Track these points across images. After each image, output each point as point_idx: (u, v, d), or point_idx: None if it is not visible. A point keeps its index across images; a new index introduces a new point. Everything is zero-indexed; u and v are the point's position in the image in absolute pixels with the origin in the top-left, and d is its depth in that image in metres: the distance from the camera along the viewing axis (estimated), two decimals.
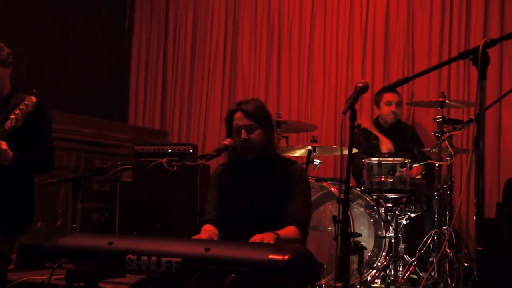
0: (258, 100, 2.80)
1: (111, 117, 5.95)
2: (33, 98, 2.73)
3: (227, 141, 2.67)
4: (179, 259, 2.10)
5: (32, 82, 4.94)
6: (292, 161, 2.82)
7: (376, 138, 4.71)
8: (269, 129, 2.72)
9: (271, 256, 2.01)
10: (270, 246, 2.16)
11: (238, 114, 2.69)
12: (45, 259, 2.35)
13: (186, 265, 2.10)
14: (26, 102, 2.71)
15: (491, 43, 1.90)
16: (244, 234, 2.51)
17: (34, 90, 2.81)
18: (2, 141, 2.75)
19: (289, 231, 2.59)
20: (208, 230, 2.66)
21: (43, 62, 5.34)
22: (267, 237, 2.44)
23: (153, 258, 2.13)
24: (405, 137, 4.76)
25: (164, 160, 2.66)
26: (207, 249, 2.10)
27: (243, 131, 2.66)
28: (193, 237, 2.55)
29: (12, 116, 2.69)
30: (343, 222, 2.14)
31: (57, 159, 4.66)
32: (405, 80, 2.22)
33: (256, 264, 2.02)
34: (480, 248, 1.91)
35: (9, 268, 3.91)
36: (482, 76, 1.87)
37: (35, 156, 2.97)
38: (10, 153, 2.79)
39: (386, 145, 4.51)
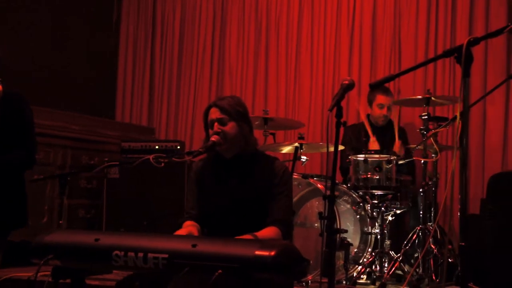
0: (235, 96, 2.80)
1: (98, 113, 5.93)
2: (0, 87, 2.69)
3: (214, 138, 2.65)
4: (166, 255, 2.10)
5: (18, 79, 4.93)
6: (274, 158, 2.78)
7: (367, 135, 4.74)
8: (244, 124, 2.69)
9: (257, 252, 2.02)
10: (256, 242, 2.18)
11: (213, 109, 2.69)
12: (31, 255, 2.35)
13: (173, 261, 2.10)
14: None
15: (474, 42, 1.92)
16: (227, 232, 2.50)
17: (0, 79, 2.77)
18: None
19: (269, 231, 2.56)
20: (188, 225, 2.65)
21: (29, 59, 5.31)
22: None
23: (140, 254, 2.13)
24: (394, 137, 4.79)
25: (151, 157, 2.67)
26: (194, 245, 2.10)
27: (215, 123, 2.66)
28: (174, 233, 2.55)
29: None
30: (329, 218, 2.16)
31: (44, 156, 4.70)
32: (391, 78, 2.24)
33: (243, 260, 2.03)
34: (463, 244, 1.94)
35: None
36: (466, 74, 1.90)
37: (10, 156, 2.91)
38: None
39: (374, 147, 4.53)
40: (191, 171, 2.86)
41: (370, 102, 4.83)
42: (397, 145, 4.53)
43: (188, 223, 2.68)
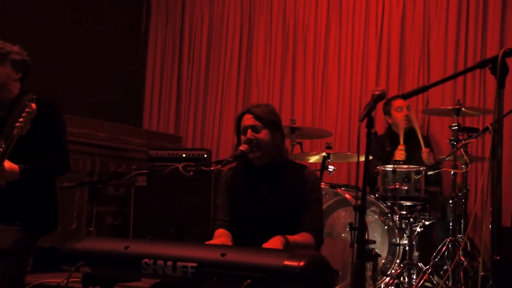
0: (269, 105, 2.80)
1: (126, 121, 5.99)
2: (33, 105, 2.75)
3: (243, 147, 2.66)
4: (195, 264, 2.11)
5: (48, 87, 5.01)
6: (303, 166, 2.79)
7: (391, 145, 4.71)
8: (277, 133, 2.70)
9: (286, 262, 2.01)
10: (285, 252, 2.17)
11: (247, 116, 2.69)
12: (62, 261, 2.38)
13: (202, 270, 2.10)
14: (27, 110, 2.73)
15: (510, 53, 1.90)
16: (257, 240, 2.50)
17: (34, 97, 2.82)
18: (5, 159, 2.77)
19: (302, 236, 2.58)
20: (221, 235, 2.66)
21: (58, 67, 5.39)
22: (276, 242, 2.45)
23: (169, 263, 2.14)
24: (418, 146, 4.74)
25: (180, 166, 2.68)
26: (223, 254, 2.10)
27: (249, 130, 2.66)
28: (206, 242, 2.55)
29: (17, 124, 2.72)
30: (360, 229, 2.14)
31: (73, 163, 4.69)
32: (423, 89, 2.22)
33: (272, 270, 2.02)
34: (498, 258, 1.90)
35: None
36: (501, 85, 1.87)
37: (46, 161, 2.97)
38: (16, 167, 2.82)
39: (399, 156, 4.46)
40: (221, 180, 2.87)
41: (388, 111, 4.85)
42: (424, 152, 4.44)
43: (220, 231, 2.69)
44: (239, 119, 2.73)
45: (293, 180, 2.68)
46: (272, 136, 2.67)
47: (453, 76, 2.29)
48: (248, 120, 2.68)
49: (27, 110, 2.72)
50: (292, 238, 2.52)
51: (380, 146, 4.81)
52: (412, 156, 4.57)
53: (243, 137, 2.69)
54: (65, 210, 4.61)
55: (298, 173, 2.70)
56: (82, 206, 4.80)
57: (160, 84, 6.38)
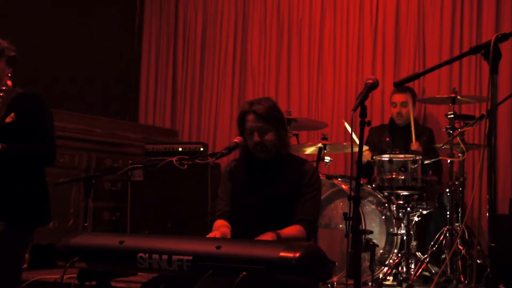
0: (270, 100, 2.77)
1: (122, 116, 5.97)
2: (9, 82, 2.72)
3: (237, 139, 2.67)
4: (190, 257, 2.10)
5: (43, 82, 5.00)
6: (304, 160, 2.83)
7: (390, 136, 4.69)
8: (282, 129, 2.72)
9: (282, 254, 2.01)
10: (281, 244, 2.16)
11: (251, 116, 2.68)
12: (57, 258, 2.38)
13: (197, 263, 2.10)
14: (3, 88, 2.70)
15: (502, 38, 1.88)
16: (255, 230, 2.51)
17: (9, 75, 2.79)
18: None
19: (293, 229, 2.60)
20: (220, 226, 2.67)
21: (53, 63, 5.37)
22: (267, 238, 2.45)
23: (164, 257, 2.14)
24: (420, 139, 4.72)
25: (174, 159, 2.67)
26: (218, 247, 2.10)
27: (255, 133, 2.66)
28: (207, 236, 2.55)
29: None
30: (354, 219, 2.13)
31: (69, 159, 4.75)
32: (415, 76, 2.20)
33: (267, 261, 2.02)
34: (493, 245, 1.89)
35: (22, 267, 3.93)
36: (494, 71, 1.86)
37: (31, 146, 2.91)
38: None
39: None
40: (224, 171, 2.87)
41: (390, 103, 4.81)
42: (413, 147, 4.41)
43: (219, 222, 2.70)
44: (242, 116, 2.71)
45: (293, 173, 2.70)
46: (278, 135, 2.69)
47: (445, 63, 2.27)
48: (254, 122, 2.67)
49: (3, 88, 2.68)
50: (283, 232, 2.52)
51: (379, 136, 4.79)
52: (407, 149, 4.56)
53: (248, 138, 2.67)
54: (62, 206, 4.62)
55: (298, 167, 2.73)
56: (78, 202, 4.80)
57: (155, 78, 6.36)
